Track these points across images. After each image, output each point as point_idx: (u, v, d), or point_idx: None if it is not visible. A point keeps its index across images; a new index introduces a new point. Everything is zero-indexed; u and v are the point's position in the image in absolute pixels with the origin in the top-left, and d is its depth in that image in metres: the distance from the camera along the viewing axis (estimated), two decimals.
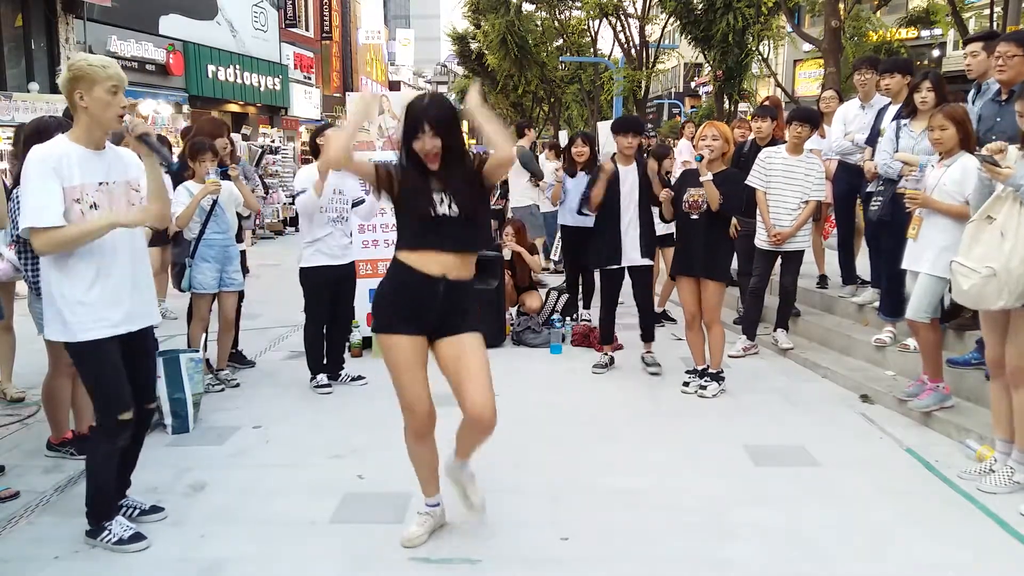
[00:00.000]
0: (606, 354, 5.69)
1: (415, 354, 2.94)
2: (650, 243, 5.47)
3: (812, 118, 5.78)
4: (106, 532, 3.04)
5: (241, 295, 5.41)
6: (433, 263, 2.90)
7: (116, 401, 3.00)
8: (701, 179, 4.78)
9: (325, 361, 5.19)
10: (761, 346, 6.15)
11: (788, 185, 5.64)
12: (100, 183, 2.96)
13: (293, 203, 5.11)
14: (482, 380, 2.90)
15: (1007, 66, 4.12)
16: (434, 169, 2.91)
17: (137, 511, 3.27)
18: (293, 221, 14.57)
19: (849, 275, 6.29)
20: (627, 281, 5.57)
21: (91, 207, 2.93)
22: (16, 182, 3.75)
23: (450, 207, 2.90)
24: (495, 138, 2.89)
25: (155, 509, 3.31)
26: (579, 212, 5.91)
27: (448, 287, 2.90)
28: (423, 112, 2.87)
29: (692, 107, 32.09)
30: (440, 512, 3.20)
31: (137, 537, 3.05)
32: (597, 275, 6.00)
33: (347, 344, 5.64)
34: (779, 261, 5.94)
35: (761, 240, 5.82)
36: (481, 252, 3.70)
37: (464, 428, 3.02)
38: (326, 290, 5.07)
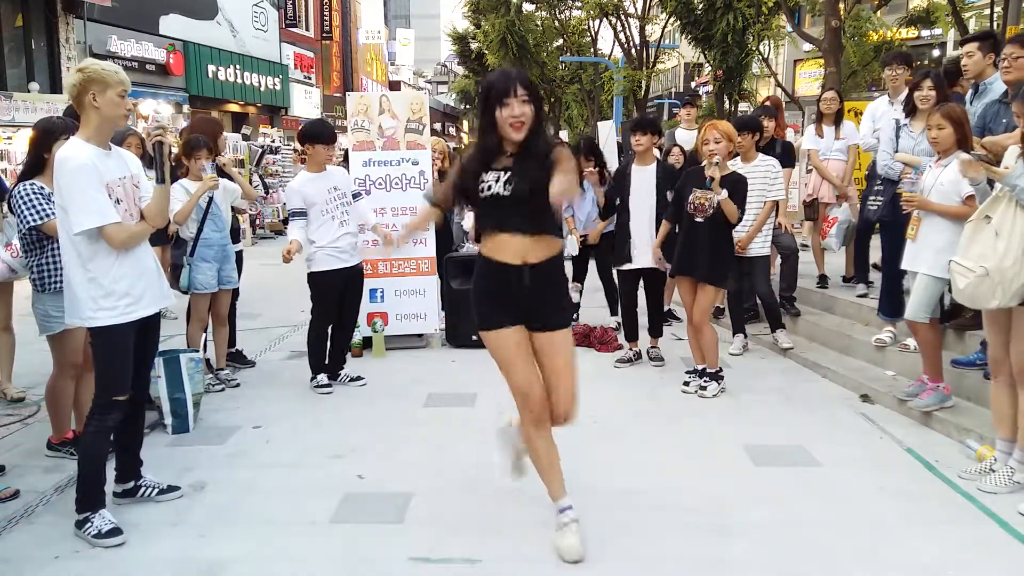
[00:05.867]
0: (631, 349, 5.79)
1: (516, 344, 2.91)
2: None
3: (751, 125, 5.72)
4: (89, 524, 3.07)
5: (236, 292, 5.42)
6: (507, 249, 2.84)
7: (119, 383, 3.12)
8: (718, 198, 4.72)
9: (327, 361, 5.20)
10: (761, 346, 6.16)
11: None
12: (121, 178, 3.10)
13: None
14: (567, 382, 2.98)
15: (1012, 67, 4.18)
16: (519, 139, 2.78)
17: (156, 490, 3.44)
18: None
19: (862, 273, 6.27)
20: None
21: (116, 202, 3.04)
22: (18, 180, 3.75)
23: (505, 186, 2.79)
24: (563, 182, 2.63)
25: (172, 488, 3.49)
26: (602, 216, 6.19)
27: (532, 273, 2.84)
28: (515, 75, 2.78)
29: None
30: (576, 514, 3.03)
31: (115, 532, 3.07)
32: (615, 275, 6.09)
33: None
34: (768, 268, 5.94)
35: None
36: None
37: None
38: (335, 293, 5.08)
